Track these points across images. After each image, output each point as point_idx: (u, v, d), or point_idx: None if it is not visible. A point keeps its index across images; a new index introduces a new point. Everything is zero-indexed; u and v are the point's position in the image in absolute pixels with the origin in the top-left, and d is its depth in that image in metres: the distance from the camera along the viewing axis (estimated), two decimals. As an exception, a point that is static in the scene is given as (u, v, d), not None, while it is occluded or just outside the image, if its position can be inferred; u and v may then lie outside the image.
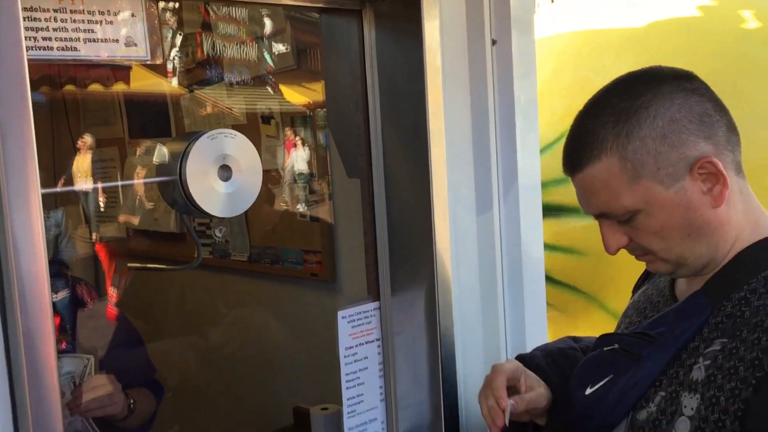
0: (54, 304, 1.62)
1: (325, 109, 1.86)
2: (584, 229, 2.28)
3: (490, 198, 1.51)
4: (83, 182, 1.92)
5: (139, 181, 1.92)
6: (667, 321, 1.02)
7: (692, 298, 1.01)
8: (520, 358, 1.30)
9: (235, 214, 1.15)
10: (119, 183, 2.17)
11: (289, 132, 1.98)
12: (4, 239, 0.83)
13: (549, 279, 2.28)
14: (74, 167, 1.89)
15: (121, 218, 2.34)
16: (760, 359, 0.88)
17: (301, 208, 1.98)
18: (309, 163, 1.97)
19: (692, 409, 0.93)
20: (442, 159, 1.36)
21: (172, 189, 1.11)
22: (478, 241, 1.51)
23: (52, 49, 0.96)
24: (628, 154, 0.97)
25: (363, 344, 1.37)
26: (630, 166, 0.97)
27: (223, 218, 1.15)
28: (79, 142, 1.88)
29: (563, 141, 2.41)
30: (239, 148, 1.15)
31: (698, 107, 0.98)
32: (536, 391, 1.17)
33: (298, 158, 1.97)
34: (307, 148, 1.97)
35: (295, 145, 1.97)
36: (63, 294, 1.65)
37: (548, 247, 2.29)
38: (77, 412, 1.44)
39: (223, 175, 1.13)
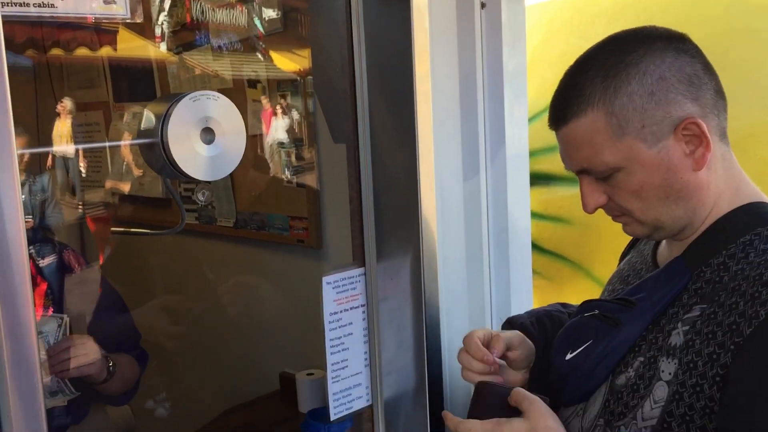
0: (41, 270, 1.61)
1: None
2: (572, 198, 2.28)
3: (477, 165, 1.50)
4: (66, 146, 1.90)
5: (119, 143, 1.89)
6: (646, 287, 1.02)
7: (672, 264, 1.02)
8: (509, 320, 1.31)
9: (218, 177, 1.14)
10: (99, 144, 2.14)
11: (265, 101, 1.95)
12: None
13: (536, 247, 2.28)
14: (55, 132, 1.87)
15: (109, 184, 2.32)
16: (737, 324, 0.88)
17: (287, 174, 1.96)
18: (290, 131, 1.95)
19: (670, 374, 0.93)
20: (428, 124, 1.35)
21: (154, 152, 1.10)
22: (465, 208, 1.50)
23: (28, 5, 0.94)
24: (614, 110, 0.96)
25: (348, 310, 1.37)
26: (615, 121, 0.96)
27: (206, 182, 1.14)
28: (59, 107, 1.85)
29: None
30: (222, 111, 1.13)
31: (688, 68, 0.97)
32: (512, 331, 1.19)
33: (278, 127, 1.95)
34: (287, 117, 1.94)
35: (275, 114, 1.94)
36: (50, 259, 1.64)
37: (536, 215, 2.29)
38: (51, 372, 1.43)
39: (205, 138, 1.11)
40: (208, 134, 1.11)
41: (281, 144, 1.94)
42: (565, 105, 1.00)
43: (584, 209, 1.04)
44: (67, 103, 1.88)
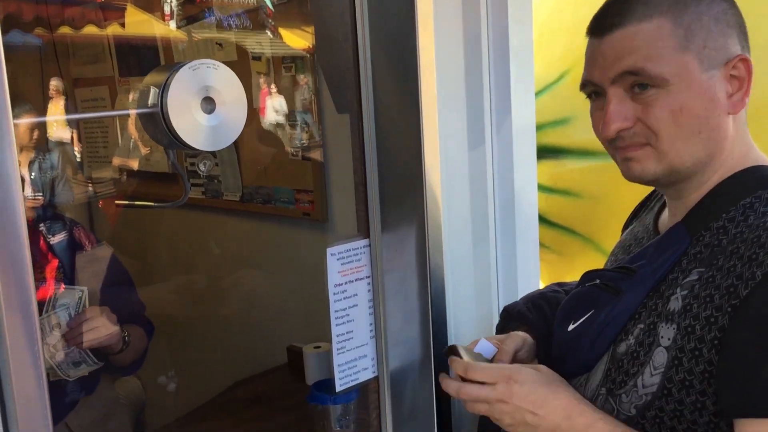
0: (52, 247, 1.62)
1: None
2: (581, 171, 2.26)
3: (483, 136, 1.49)
4: (69, 122, 1.89)
5: (121, 113, 1.89)
6: (647, 254, 1.01)
7: (672, 230, 1.00)
8: (506, 309, 1.31)
9: (219, 147, 1.13)
10: (103, 114, 2.13)
11: (262, 80, 1.94)
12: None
13: (545, 221, 2.27)
14: (60, 109, 1.86)
15: (116, 161, 2.32)
16: (735, 286, 0.87)
17: (292, 147, 1.96)
18: (295, 104, 1.94)
19: (669, 339, 0.92)
20: (432, 94, 1.34)
21: (155, 122, 1.09)
22: (470, 179, 1.49)
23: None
24: (683, 21, 0.95)
25: (353, 281, 1.36)
26: (681, 33, 0.95)
27: (207, 152, 1.13)
28: (51, 90, 1.85)
29: (562, 83, 2.36)
30: (222, 80, 1.12)
31: (741, 20, 0.99)
32: (513, 335, 1.18)
33: (282, 101, 1.94)
34: (294, 90, 1.93)
35: (270, 93, 1.93)
36: (60, 237, 1.65)
37: (545, 188, 2.27)
38: (74, 343, 1.46)
39: (206, 107, 1.10)
40: (208, 104, 1.10)
41: (286, 117, 1.94)
42: (625, 9, 0.97)
43: (604, 130, 0.99)
44: (56, 84, 1.87)
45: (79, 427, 1.61)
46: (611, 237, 2.28)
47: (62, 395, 1.58)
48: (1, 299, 0.85)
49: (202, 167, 1.90)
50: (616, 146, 1.01)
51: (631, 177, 1.02)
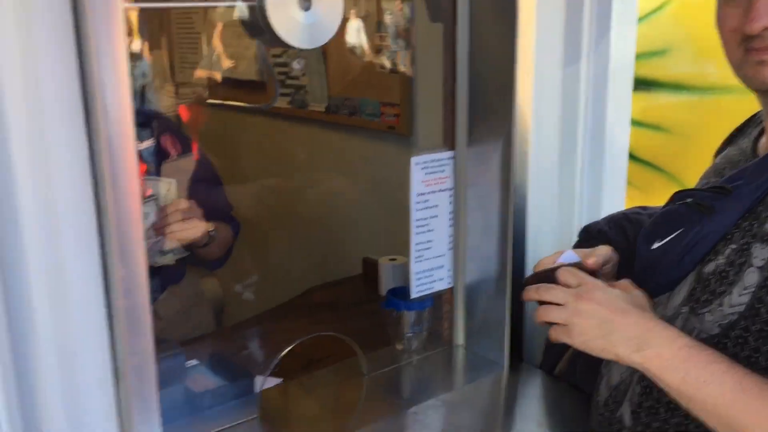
0: (140, 153, 1.68)
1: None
2: (674, 106, 2.18)
3: (579, 54, 1.44)
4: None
5: (217, 4, 1.89)
6: (745, 174, 0.97)
7: None
8: (585, 228, 1.29)
9: (314, 45, 1.13)
10: (195, 3, 2.13)
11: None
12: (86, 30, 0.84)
13: (631, 156, 2.21)
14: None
15: (201, 73, 2.36)
16: None
17: (380, 58, 1.95)
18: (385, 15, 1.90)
19: (763, 259, 0.89)
20: (531, 4, 1.30)
21: (252, 16, 1.10)
22: (562, 99, 1.46)
23: None
24: None
25: (435, 192, 1.37)
26: None
27: (301, 50, 1.13)
28: None
29: (663, 12, 2.25)
30: (321, -24, 1.11)
31: None
32: (603, 247, 1.16)
33: (351, 29, 1.91)
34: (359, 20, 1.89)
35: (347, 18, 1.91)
36: (148, 143, 1.70)
37: (634, 122, 2.20)
38: (161, 233, 1.50)
39: (303, 4, 1.10)
40: (305, 0, 1.10)
41: (376, 28, 1.91)
42: None
43: (748, 25, 0.92)
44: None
45: (166, 314, 1.70)
46: (699, 175, 2.20)
47: (151, 281, 1.65)
48: (107, 178, 0.89)
49: (296, 65, 1.90)
50: (751, 47, 0.94)
51: (760, 81, 0.96)
